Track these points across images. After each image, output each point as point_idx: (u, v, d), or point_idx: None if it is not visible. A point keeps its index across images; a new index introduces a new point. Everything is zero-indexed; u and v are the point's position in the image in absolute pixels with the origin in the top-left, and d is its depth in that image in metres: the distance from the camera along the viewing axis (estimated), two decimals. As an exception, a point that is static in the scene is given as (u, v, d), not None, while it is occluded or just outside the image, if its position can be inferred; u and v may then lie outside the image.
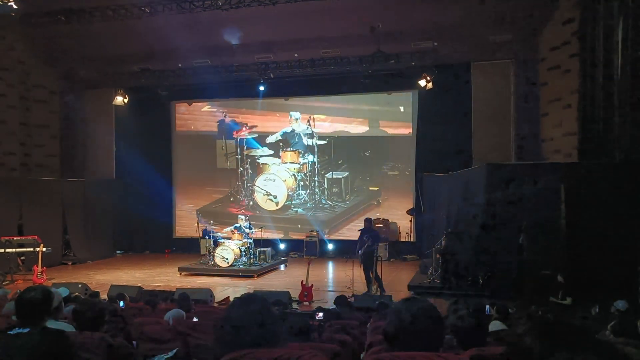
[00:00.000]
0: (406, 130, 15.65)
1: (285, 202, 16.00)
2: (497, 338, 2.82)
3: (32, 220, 13.50)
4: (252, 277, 12.26)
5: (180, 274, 12.69)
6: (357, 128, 16.01)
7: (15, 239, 12.45)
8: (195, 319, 5.04)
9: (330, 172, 16.03)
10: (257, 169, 16.29)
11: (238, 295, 6.46)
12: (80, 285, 9.52)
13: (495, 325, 3.97)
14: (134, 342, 4.19)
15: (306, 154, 15.84)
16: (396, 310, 2.00)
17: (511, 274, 9.21)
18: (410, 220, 15.35)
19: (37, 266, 11.43)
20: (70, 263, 14.61)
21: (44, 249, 11.80)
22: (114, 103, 15.92)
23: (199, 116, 17.49)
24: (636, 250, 8.18)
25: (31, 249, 12.16)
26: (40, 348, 2.39)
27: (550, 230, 8.93)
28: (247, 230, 13.00)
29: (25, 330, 2.42)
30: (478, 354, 1.91)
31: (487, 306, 6.71)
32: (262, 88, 15.59)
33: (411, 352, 1.88)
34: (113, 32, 12.60)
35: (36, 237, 12.23)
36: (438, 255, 10.64)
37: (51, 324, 3.16)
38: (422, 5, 11.79)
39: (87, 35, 12.96)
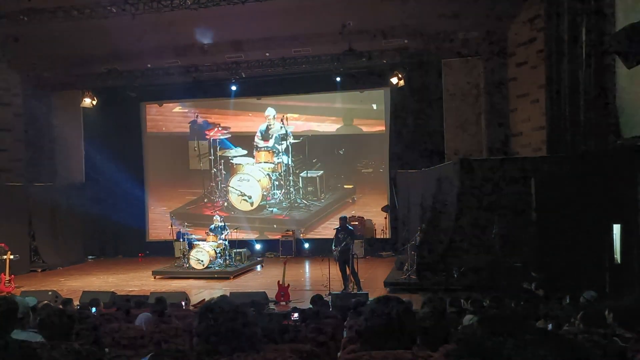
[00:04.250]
0: (379, 127, 15.75)
1: (260, 202, 15.91)
2: (467, 332, 2.85)
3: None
4: (228, 278, 12.15)
5: (155, 278, 12.48)
6: (331, 126, 16.03)
7: (-20, 247, 12.05)
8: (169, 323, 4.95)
9: (305, 171, 16.01)
10: (231, 169, 16.15)
11: (214, 297, 6.38)
12: (50, 293, 9.27)
13: (468, 319, 4.02)
14: (106, 349, 4.09)
15: (280, 153, 15.78)
16: (370, 309, 2.00)
17: (485, 267, 9.36)
18: (385, 217, 15.45)
19: (5, 274, 11.10)
20: (39, 270, 14.19)
21: (11, 257, 11.45)
22: (81, 105, 15.55)
23: (170, 117, 17.24)
24: (604, 241, 8.40)
25: (-3, 257, 11.79)
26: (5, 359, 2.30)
27: (521, 223, 9.11)
28: (223, 232, 12.88)
29: (-11, 342, 2.33)
30: (452, 350, 1.92)
31: (462, 300, 6.81)
32: (233, 88, 15.46)
33: (386, 350, 1.89)
34: (78, 32, 12.27)
35: (2, 244, 11.86)
36: (413, 252, 10.73)
37: (18, 334, 3.06)
38: (392, 3, 11.86)
39: (51, 35, 12.59)
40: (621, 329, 3.14)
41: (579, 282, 7.58)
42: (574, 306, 5.88)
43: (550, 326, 4.15)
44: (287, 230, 15.80)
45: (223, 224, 12.97)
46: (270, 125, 15.87)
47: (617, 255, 8.31)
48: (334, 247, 10.30)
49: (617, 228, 8.30)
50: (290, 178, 15.98)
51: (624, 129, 8.64)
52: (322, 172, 15.99)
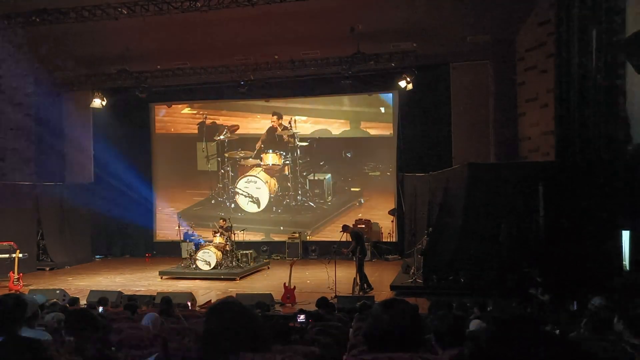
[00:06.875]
0: (387, 130, 15.73)
1: (267, 204, 15.93)
2: (473, 337, 2.84)
3: (7, 225, 13.18)
4: (234, 279, 12.17)
5: (161, 278, 12.53)
6: (339, 129, 16.03)
7: (-11, 245, 12.15)
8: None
9: (312, 174, 16.01)
10: (239, 171, 16.19)
11: (220, 298, 6.40)
12: (58, 292, 9.36)
13: (475, 324, 4.01)
14: (112, 349, 4.11)
15: (287, 156, 15.80)
16: (376, 311, 2.00)
17: (492, 272, 9.31)
18: (392, 221, 15.41)
19: (14, 273, 11.18)
20: (47, 269, 14.30)
21: (20, 255, 11.55)
22: (91, 105, 15.63)
23: (178, 118, 17.32)
24: (613, 247, 8.33)
25: (7, 255, 11.88)
26: (13, 357, 2.32)
27: (529, 228, 9.06)
28: (229, 233, 12.89)
29: (-1, 340, 2.36)
30: (457, 354, 1.92)
31: (468, 304, 6.78)
32: (242, 90, 15.48)
33: (391, 353, 1.89)
34: (89, 33, 12.38)
35: (11, 242, 11.96)
36: (420, 255, 10.71)
37: (26, 332, 3.09)
38: (401, 6, 11.85)
39: (62, 36, 12.71)
40: (630, 336, 3.12)
41: (586, 288, 7.52)
42: (582, 312, 5.83)
43: (557, 332, 4.13)
44: (294, 232, 15.81)
45: (230, 225, 13.00)
46: (276, 128, 15.86)
47: (626, 262, 8.25)
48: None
49: (625, 234, 8.24)
50: (298, 180, 15.99)
51: (634, 134, 8.58)
52: (329, 174, 15.99)
